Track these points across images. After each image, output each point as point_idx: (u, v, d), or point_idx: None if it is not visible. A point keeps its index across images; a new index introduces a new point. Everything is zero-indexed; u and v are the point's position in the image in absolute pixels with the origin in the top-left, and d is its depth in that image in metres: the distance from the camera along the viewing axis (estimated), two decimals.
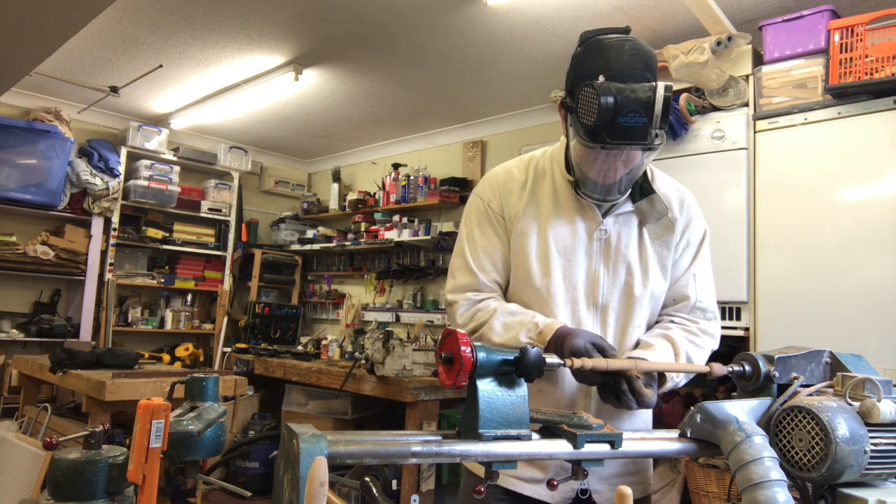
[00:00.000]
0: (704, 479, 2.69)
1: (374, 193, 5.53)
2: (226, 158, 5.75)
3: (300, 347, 5.24)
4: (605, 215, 1.38)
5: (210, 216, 5.68)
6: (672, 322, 1.42)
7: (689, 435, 1.03)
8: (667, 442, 1.03)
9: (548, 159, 1.45)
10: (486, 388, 0.91)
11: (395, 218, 5.22)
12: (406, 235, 5.05)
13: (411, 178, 5.16)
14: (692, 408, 1.05)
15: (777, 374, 1.08)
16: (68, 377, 3.05)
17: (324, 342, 4.82)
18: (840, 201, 2.53)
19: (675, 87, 3.00)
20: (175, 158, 5.42)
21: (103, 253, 5.06)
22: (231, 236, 5.77)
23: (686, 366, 1.30)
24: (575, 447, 0.92)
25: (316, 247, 5.92)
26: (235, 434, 4.56)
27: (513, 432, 0.90)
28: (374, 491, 1.39)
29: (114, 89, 4.53)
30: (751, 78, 2.81)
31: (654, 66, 1.22)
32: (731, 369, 1.12)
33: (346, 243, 5.58)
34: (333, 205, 5.91)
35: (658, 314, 1.45)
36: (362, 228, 5.46)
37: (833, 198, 2.54)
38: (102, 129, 5.31)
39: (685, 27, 3.19)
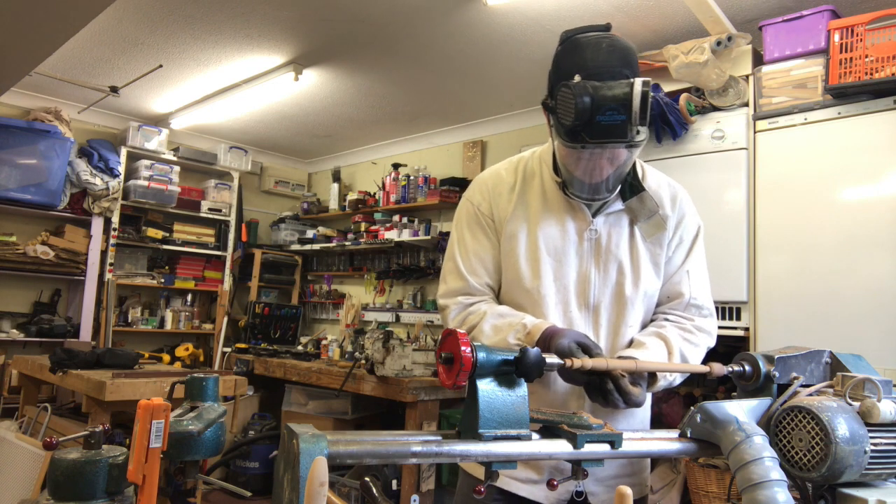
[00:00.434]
0: (704, 479, 2.69)
1: (374, 193, 5.53)
2: (226, 158, 5.75)
3: (300, 347, 5.24)
4: (595, 215, 1.37)
5: (210, 216, 5.68)
6: (666, 320, 1.41)
7: (689, 435, 1.03)
8: (667, 442, 1.03)
9: (536, 160, 1.45)
10: (486, 388, 0.91)
11: (395, 218, 5.22)
12: (406, 235, 5.05)
13: (411, 178, 5.16)
14: (692, 408, 1.05)
15: (777, 374, 1.08)
16: (68, 377, 3.05)
17: (324, 342, 4.82)
18: (840, 201, 2.53)
19: (675, 87, 3.00)
20: (175, 158, 5.42)
21: (103, 253, 5.06)
22: (231, 236, 5.77)
23: (686, 366, 1.30)
24: (575, 447, 0.92)
25: (316, 247, 5.92)
26: (235, 434, 4.56)
27: (513, 432, 0.90)
28: (374, 491, 1.39)
29: (114, 89, 4.53)
30: (751, 78, 2.81)
31: (633, 62, 1.21)
32: (731, 369, 1.12)
33: (346, 243, 5.58)
34: (333, 205, 5.91)
35: (653, 312, 1.44)
36: (362, 228, 5.47)
37: (833, 198, 2.54)
38: (102, 129, 5.31)
39: (685, 27, 3.19)
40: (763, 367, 1.09)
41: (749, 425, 0.98)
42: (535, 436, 0.94)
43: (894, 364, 2.28)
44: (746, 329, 2.73)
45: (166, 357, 4.72)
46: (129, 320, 5.31)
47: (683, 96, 2.92)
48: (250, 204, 6.16)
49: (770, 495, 0.87)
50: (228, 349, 5.34)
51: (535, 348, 0.94)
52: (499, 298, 1.44)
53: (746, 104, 2.82)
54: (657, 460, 2.93)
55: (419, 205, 5.08)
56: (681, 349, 1.33)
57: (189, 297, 5.70)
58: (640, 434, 1.01)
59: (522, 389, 0.94)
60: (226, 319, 5.62)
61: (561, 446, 0.93)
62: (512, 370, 0.93)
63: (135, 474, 0.92)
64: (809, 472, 0.95)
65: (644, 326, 1.42)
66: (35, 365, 3.51)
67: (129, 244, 5.26)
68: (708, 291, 1.45)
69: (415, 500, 3.36)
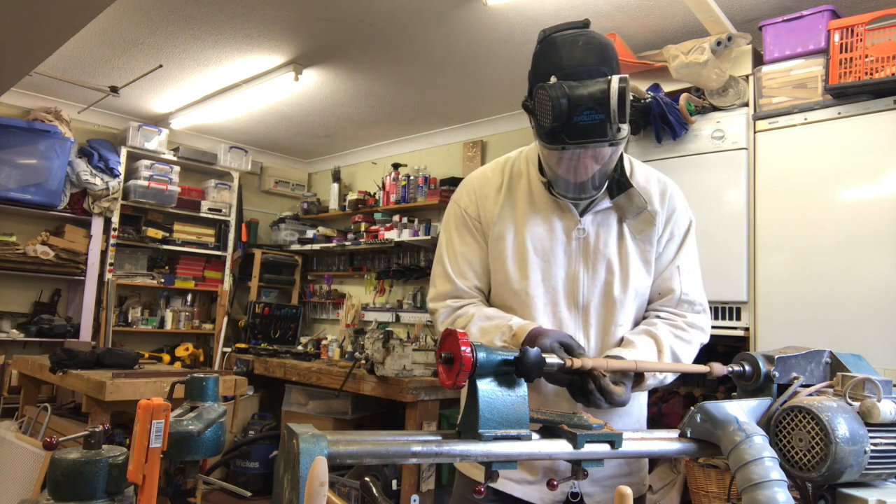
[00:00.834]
0: (704, 479, 2.69)
1: (374, 193, 5.53)
2: (226, 158, 5.75)
3: (300, 347, 5.24)
4: (583, 213, 1.36)
5: (210, 216, 5.68)
6: (658, 317, 1.39)
7: (689, 435, 1.03)
8: (667, 442, 1.03)
9: (523, 160, 1.44)
10: (486, 388, 0.91)
11: (395, 218, 5.22)
12: (406, 235, 5.05)
13: (411, 178, 5.16)
14: (692, 408, 1.05)
15: (777, 374, 1.08)
16: (68, 377, 3.05)
17: (324, 342, 4.83)
18: (840, 201, 2.53)
19: (675, 87, 3.00)
20: (175, 158, 5.42)
21: (103, 253, 5.06)
22: (231, 236, 5.77)
23: (687, 366, 1.30)
24: (575, 447, 0.92)
25: (316, 247, 5.92)
26: (235, 434, 4.56)
27: (513, 432, 0.90)
28: (374, 491, 1.39)
29: (114, 89, 4.53)
30: (751, 78, 2.81)
31: (611, 58, 1.20)
32: (731, 369, 1.12)
33: (346, 243, 5.58)
34: (333, 205, 5.91)
35: (644, 310, 1.42)
36: (362, 228, 5.47)
37: (833, 198, 2.54)
38: (102, 129, 5.31)
39: (685, 27, 3.19)
40: (763, 367, 1.09)
41: (749, 425, 0.98)
42: (535, 436, 0.94)
43: (894, 364, 2.28)
44: (746, 329, 2.73)
45: (166, 357, 4.72)
46: (129, 320, 5.31)
47: (683, 96, 2.92)
48: (250, 204, 6.16)
49: (770, 495, 0.87)
50: (228, 349, 5.34)
51: (535, 348, 0.94)
52: (488, 301, 1.44)
53: (746, 104, 2.82)
54: (657, 460, 2.93)
55: (419, 205, 5.08)
56: (671, 347, 1.31)
57: (189, 297, 5.70)
58: (640, 434, 1.01)
59: (522, 389, 0.94)
60: (226, 319, 5.62)
61: (561, 446, 0.93)
62: (512, 370, 0.93)
63: (135, 474, 0.92)
64: (809, 472, 0.95)
65: (636, 324, 1.40)
66: (35, 365, 3.51)
67: (129, 244, 5.26)
68: (700, 287, 1.43)
69: (415, 500, 3.36)
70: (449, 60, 3.85)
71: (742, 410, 1.02)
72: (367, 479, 1.45)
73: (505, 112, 4.78)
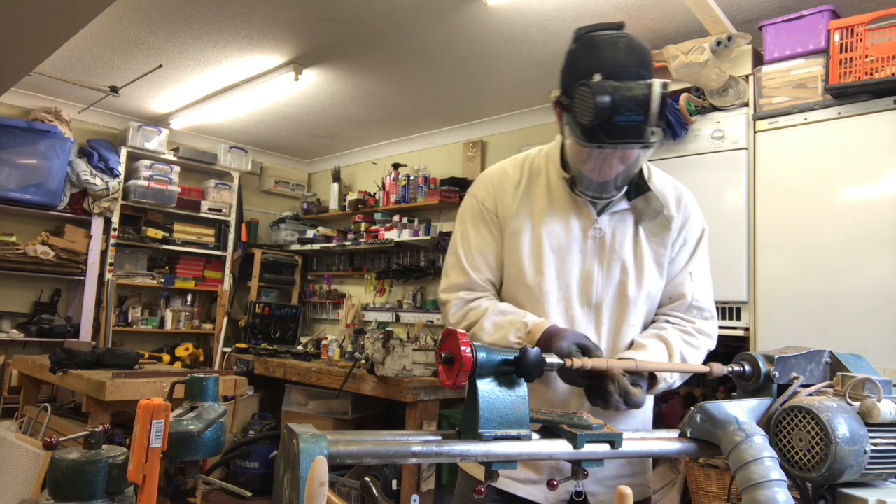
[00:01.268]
0: (704, 479, 2.69)
1: (374, 193, 5.53)
2: (226, 158, 5.75)
3: (300, 347, 5.24)
4: (600, 213, 1.37)
5: (210, 216, 5.68)
6: (667, 322, 1.41)
7: (689, 435, 1.03)
8: (667, 442, 1.03)
9: (543, 158, 1.45)
10: (486, 388, 0.91)
11: (395, 218, 5.22)
12: (406, 235, 5.05)
13: (411, 178, 5.16)
14: (692, 408, 1.05)
15: (777, 374, 1.08)
16: (68, 377, 3.05)
17: (324, 342, 4.82)
18: (840, 201, 2.53)
19: (675, 87, 3.00)
20: (175, 158, 5.42)
21: (103, 253, 5.06)
22: (231, 236, 5.77)
23: (686, 366, 1.30)
24: (575, 447, 0.92)
25: (316, 247, 5.92)
26: (235, 434, 4.56)
27: (513, 432, 0.90)
28: (374, 491, 1.39)
29: (114, 89, 4.53)
30: (751, 78, 2.81)
31: (650, 62, 1.21)
32: (731, 369, 1.12)
33: (346, 243, 5.58)
34: (333, 205, 5.91)
35: (654, 313, 1.43)
36: (362, 228, 5.46)
37: (833, 198, 2.54)
38: (102, 129, 5.31)
39: (685, 27, 3.19)
40: (763, 367, 1.09)
41: (749, 425, 0.98)
42: (535, 436, 0.94)
43: (894, 364, 2.28)
44: (746, 329, 2.73)
45: (166, 357, 4.72)
46: (129, 320, 5.31)
47: (683, 96, 2.92)
48: (250, 204, 6.16)
49: (770, 495, 0.87)
50: (228, 349, 5.34)
51: (535, 348, 0.94)
52: (500, 295, 1.44)
53: (746, 104, 2.82)
54: (657, 460, 2.93)
55: (419, 205, 5.08)
56: (681, 352, 1.33)
57: (189, 297, 5.70)
58: (640, 434, 1.01)
59: (522, 389, 0.94)
60: (226, 319, 5.62)
61: (561, 446, 0.93)
62: (512, 370, 0.93)
63: (135, 474, 0.92)
64: (809, 472, 0.95)
65: (645, 327, 1.41)
66: (35, 365, 3.51)
67: (129, 244, 5.26)
68: (710, 294, 1.45)
69: (415, 500, 3.36)
70: (449, 60, 3.85)
71: (742, 410, 1.02)
72: (367, 479, 1.45)
73: (505, 112, 4.77)
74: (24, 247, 4.67)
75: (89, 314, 4.95)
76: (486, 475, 0.90)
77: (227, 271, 5.78)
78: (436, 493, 3.51)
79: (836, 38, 2.52)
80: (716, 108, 2.91)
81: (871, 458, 0.96)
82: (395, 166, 5.33)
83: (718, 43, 2.78)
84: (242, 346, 5.13)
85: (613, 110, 1.11)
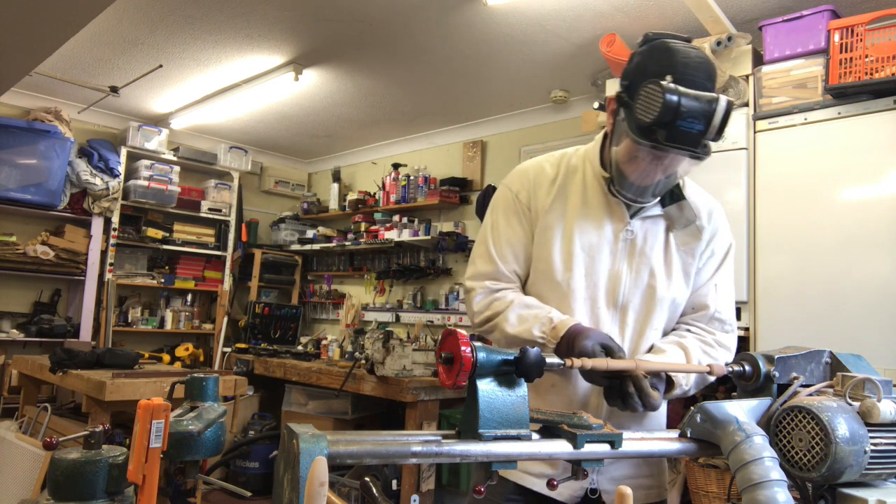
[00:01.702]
0: (704, 479, 2.69)
1: (374, 193, 5.53)
2: (226, 158, 5.75)
3: (300, 347, 5.24)
4: (632, 217, 1.38)
5: (210, 216, 5.68)
6: (688, 331, 1.42)
7: (689, 435, 1.03)
8: (667, 442, 1.03)
9: (580, 157, 1.45)
10: (486, 388, 0.91)
11: (395, 218, 5.22)
12: (406, 235, 5.05)
13: (411, 178, 5.16)
14: (692, 408, 1.05)
15: (777, 374, 1.08)
16: (68, 377, 3.05)
17: (324, 342, 4.82)
18: (840, 201, 2.53)
19: None
20: (175, 158, 5.42)
21: (103, 253, 5.06)
22: (231, 236, 5.77)
23: (686, 366, 1.30)
24: (575, 447, 0.92)
25: (316, 247, 5.92)
26: (235, 434, 4.56)
27: (513, 432, 0.90)
28: (374, 491, 1.39)
29: (114, 89, 4.53)
30: (751, 78, 2.81)
31: (716, 79, 1.23)
32: (731, 369, 1.12)
33: (346, 243, 5.58)
34: (333, 205, 5.91)
35: (676, 321, 1.45)
36: (362, 228, 5.47)
37: (833, 198, 2.54)
38: (102, 129, 5.31)
39: (685, 27, 3.19)
40: (763, 367, 1.09)
41: (749, 425, 0.98)
42: (535, 436, 0.94)
43: (894, 364, 2.28)
44: (746, 329, 2.73)
45: (166, 357, 4.72)
46: (129, 320, 5.31)
47: None
48: (250, 204, 6.16)
49: (770, 495, 0.87)
50: (228, 349, 5.34)
51: (535, 348, 0.94)
52: (525, 289, 1.44)
53: (746, 104, 2.81)
54: None
55: (419, 205, 5.08)
56: (699, 361, 1.34)
57: (189, 297, 5.70)
58: (640, 434, 1.01)
59: (522, 389, 0.94)
60: (226, 319, 5.62)
61: (561, 446, 0.93)
62: (512, 370, 0.93)
63: (135, 474, 0.92)
64: (809, 472, 0.95)
65: (665, 334, 1.43)
66: (35, 365, 3.51)
67: (129, 244, 5.26)
68: (733, 307, 1.47)
69: (415, 500, 3.36)
70: (449, 60, 3.85)
71: (742, 410, 1.02)
72: (367, 479, 1.45)
73: (505, 112, 4.77)
74: (24, 247, 4.67)
75: (89, 314, 4.95)
76: (486, 475, 0.90)
77: (227, 271, 5.78)
78: (436, 493, 3.51)
79: (836, 38, 2.52)
80: None
81: (871, 458, 0.96)
82: (395, 166, 5.33)
83: (718, 43, 2.78)
84: (242, 346, 5.13)
85: (678, 114, 1.12)
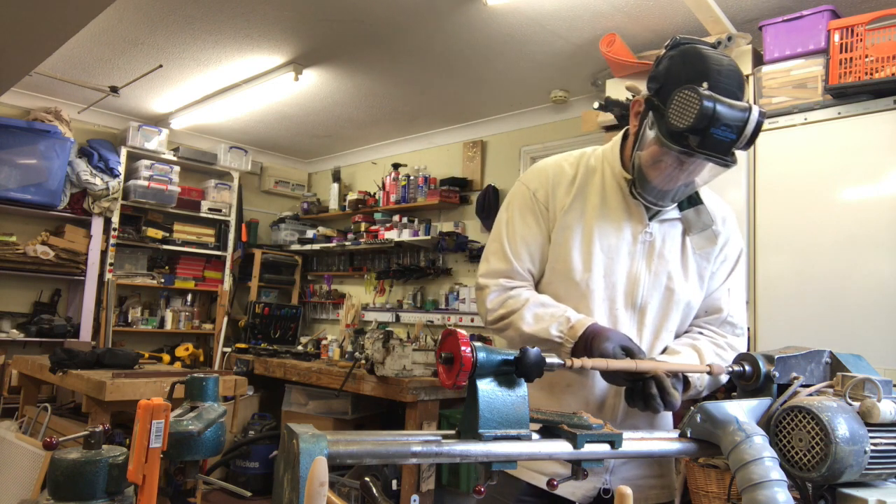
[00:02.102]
0: (704, 479, 2.69)
1: (374, 193, 5.53)
2: (226, 158, 5.75)
3: (300, 347, 5.24)
4: (650, 219, 1.39)
5: (210, 216, 5.68)
6: (701, 333, 1.44)
7: (689, 435, 1.03)
8: (667, 442, 1.03)
9: (599, 158, 1.45)
10: (486, 388, 0.91)
11: (395, 218, 5.22)
12: (406, 235, 5.05)
13: (411, 178, 5.16)
14: (692, 408, 1.05)
15: (777, 374, 1.08)
16: (68, 377, 3.05)
17: (324, 342, 4.82)
18: (840, 201, 2.53)
19: None
20: (175, 158, 5.42)
21: (103, 253, 5.06)
22: (231, 236, 5.77)
23: (686, 366, 1.30)
24: (575, 447, 0.92)
25: (316, 247, 5.92)
26: (235, 434, 4.56)
27: (513, 432, 0.90)
28: (374, 491, 1.39)
29: (114, 89, 4.53)
30: (751, 78, 2.81)
31: (744, 87, 1.24)
32: (731, 369, 1.12)
33: (346, 243, 5.58)
34: (333, 205, 5.91)
35: (687, 324, 1.46)
36: (362, 228, 5.47)
37: (833, 198, 2.54)
38: (102, 129, 5.31)
39: (685, 27, 3.19)
40: (763, 367, 1.09)
41: (749, 425, 0.98)
42: (535, 436, 0.94)
43: (894, 364, 2.28)
44: (746, 329, 2.73)
45: (166, 357, 4.72)
46: (129, 320, 5.31)
47: None
48: (250, 204, 6.16)
49: (770, 495, 0.87)
50: (228, 349, 5.34)
51: (535, 348, 0.94)
52: (537, 288, 1.44)
53: None
54: None
55: (419, 205, 5.08)
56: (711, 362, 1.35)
57: (189, 297, 5.70)
58: (640, 434, 1.01)
59: (522, 389, 0.94)
60: (226, 319, 5.62)
61: (561, 446, 0.93)
62: (512, 370, 0.93)
63: (135, 474, 0.92)
64: (809, 472, 0.95)
65: (677, 336, 1.44)
66: (35, 365, 3.51)
67: (129, 244, 5.26)
68: (744, 312, 1.49)
69: (415, 500, 3.36)
70: (449, 60, 3.85)
71: (742, 410, 1.02)
72: (367, 479, 1.44)
73: (505, 112, 4.77)
74: (24, 247, 4.67)
75: (89, 314, 4.95)
76: (486, 475, 0.90)
77: (227, 271, 5.78)
78: (436, 493, 3.51)
79: (836, 38, 2.52)
80: None
81: (871, 458, 0.96)
82: (395, 166, 5.33)
83: (718, 43, 2.78)
84: (242, 346, 5.13)
85: (713, 121, 1.13)
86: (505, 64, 3.84)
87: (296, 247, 6.10)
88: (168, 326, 5.50)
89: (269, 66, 4.05)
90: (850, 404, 1.00)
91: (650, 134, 1.26)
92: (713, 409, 1.01)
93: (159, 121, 5.37)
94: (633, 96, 2.94)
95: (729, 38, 2.79)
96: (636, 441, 0.99)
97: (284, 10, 3.33)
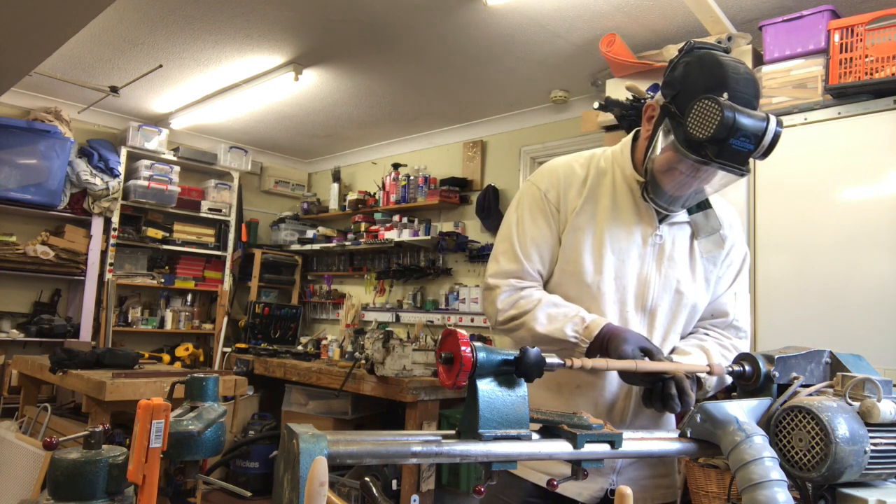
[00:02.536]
0: (704, 479, 2.69)
1: (374, 193, 5.53)
2: (226, 158, 5.75)
3: (300, 347, 5.24)
4: (660, 222, 1.40)
5: (210, 216, 5.68)
6: (707, 335, 1.45)
7: (689, 435, 1.03)
8: (667, 442, 1.03)
9: (609, 160, 1.45)
10: (486, 388, 0.91)
11: (395, 218, 5.22)
12: (406, 235, 5.05)
13: (411, 178, 5.16)
14: (692, 408, 1.05)
15: (777, 374, 1.08)
16: (68, 377, 3.05)
17: (324, 342, 4.82)
18: (840, 201, 2.53)
19: None
20: (175, 158, 5.42)
21: (103, 253, 5.06)
22: (231, 236, 5.77)
23: (685, 366, 1.30)
24: (575, 447, 0.92)
25: (316, 247, 5.92)
26: (235, 434, 4.56)
27: (513, 432, 0.90)
28: (374, 491, 1.39)
29: (114, 89, 4.53)
30: None
31: (760, 94, 1.25)
32: (731, 369, 1.12)
33: (346, 243, 5.58)
34: (333, 205, 5.91)
35: (692, 326, 1.47)
36: (362, 228, 5.47)
37: (833, 198, 2.54)
38: (102, 129, 5.31)
39: (685, 27, 3.19)
40: (763, 367, 1.09)
41: (749, 425, 0.98)
42: (535, 436, 0.94)
43: (894, 364, 2.28)
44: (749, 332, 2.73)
45: (166, 357, 4.72)
46: (129, 320, 5.31)
47: None
48: (250, 204, 6.16)
49: (770, 495, 0.87)
50: (228, 349, 5.34)
51: (535, 348, 0.94)
52: (546, 289, 1.44)
53: None
54: None
55: (419, 205, 5.08)
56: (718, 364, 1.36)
57: (189, 297, 5.70)
58: (640, 434, 1.01)
59: (522, 389, 0.94)
60: (226, 319, 5.62)
61: (561, 446, 0.93)
62: (512, 370, 0.93)
63: (135, 474, 0.92)
64: (809, 472, 0.95)
65: (682, 337, 1.45)
66: (35, 365, 3.51)
67: (129, 244, 5.26)
68: (748, 316, 1.50)
69: (415, 500, 3.36)
70: (449, 60, 3.85)
71: (742, 410, 1.02)
72: (367, 479, 1.44)
73: (505, 112, 4.77)
74: (24, 247, 4.67)
75: (89, 314, 4.95)
76: (486, 475, 0.90)
77: (227, 271, 5.78)
78: (436, 493, 3.51)
79: (836, 38, 2.52)
80: None
81: (871, 458, 0.96)
82: (395, 166, 5.33)
83: (718, 42, 2.78)
84: (242, 346, 5.13)
85: (733, 132, 1.13)
86: (505, 64, 3.84)
87: (296, 247, 6.10)
88: (168, 326, 5.50)
89: (269, 66, 4.05)
90: (850, 404, 1.00)
91: (665, 140, 1.26)
92: (713, 409, 1.01)
93: (159, 121, 5.37)
94: (634, 96, 2.94)
95: (729, 38, 2.78)
96: (636, 441, 0.99)
97: (284, 10, 3.33)
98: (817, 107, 2.59)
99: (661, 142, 1.27)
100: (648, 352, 1.20)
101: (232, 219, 5.78)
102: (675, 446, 1.03)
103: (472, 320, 4.75)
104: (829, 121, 2.56)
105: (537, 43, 3.52)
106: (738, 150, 1.15)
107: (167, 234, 5.42)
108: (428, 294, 5.21)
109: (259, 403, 4.95)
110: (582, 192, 1.40)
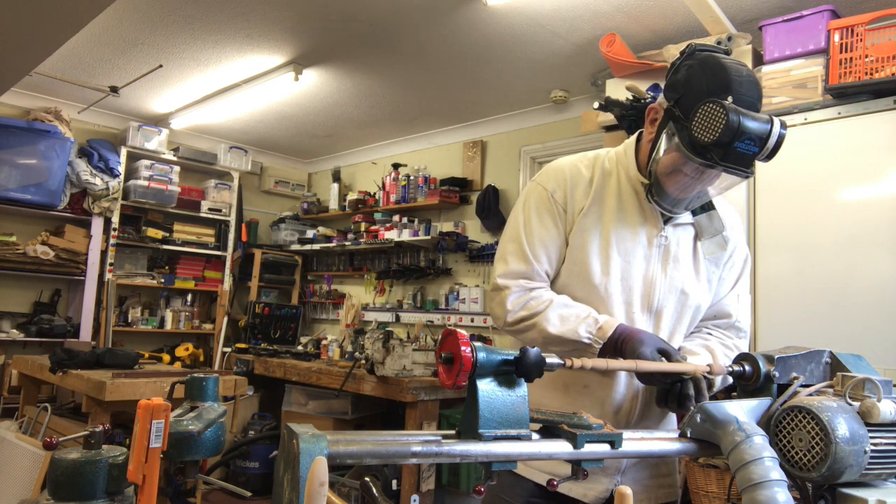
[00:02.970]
0: (704, 479, 2.69)
1: (374, 193, 5.53)
2: (226, 158, 5.75)
3: (300, 347, 5.24)
4: (664, 223, 1.40)
5: (210, 216, 5.68)
6: (710, 334, 1.46)
7: (689, 435, 1.04)
8: (667, 442, 1.03)
9: (613, 161, 1.45)
10: (486, 388, 0.91)
11: (395, 218, 5.22)
12: (406, 235, 5.05)
13: (411, 178, 5.16)
14: (692, 408, 1.05)
15: (777, 374, 1.08)
16: (68, 377, 3.05)
17: (324, 342, 4.82)
18: (840, 201, 2.53)
19: None
20: (175, 158, 5.42)
21: (103, 253, 5.06)
22: (231, 236, 5.77)
23: (685, 366, 1.30)
24: (575, 447, 0.92)
25: (316, 247, 5.92)
26: (235, 434, 4.56)
27: (513, 432, 0.90)
28: (374, 491, 1.39)
29: (114, 89, 4.53)
30: None
31: (762, 96, 1.26)
32: (731, 369, 1.12)
33: (346, 243, 5.58)
34: (333, 205, 5.91)
35: (694, 326, 1.48)
36: (362, 228, 5.47)
37: (833, 198, 2.54)
38: (102, 129, 5.31)
39: (685, 27, 3.19)
40: (763, 367, 1.09)
41: (749, 425, 0.98)
42: (535, 436, 0.94)
43: (894, 364, 2.28)
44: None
45: (166, 357, 4.72)
46: (129, 320, 5.31)
47: None
48: (250, 204, 6.16)
49: (770, 495, 0.87)
50: (228, 349, 5.34)
51: (535, 348, 0.94)
52: (552, 290, 1.44)
53: None
54: None
55: (419, 205, 5.08)
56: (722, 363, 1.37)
57: (189, 297, 5.70)
58: (640, 434, 1.01)
59: (522, 389, 0.94)
60: (226, 319, 5.62)
61: (561, 446, 0.93)
62: (512, 370, 0.93)
63: (135, 474, 0.92)
64: (809, 472, 0.95)
65: (685, 338, 1.47)
66: (35, 365, 3.51)
67: (129, 244, 5.26)
68: (749, 316, 1.52)
69: (415, 500, 3.36)
70: (449, 60, 3.85)
71: (742, 410, 1.02)
72: (367, 479, 1.45)
73: (505, 112, 4.77)
74: (24, 247, 4.67)
75: (89, 314, 4.95)
76: (486, 475, 0.90)
77: (227, 271, 5.78)
78: (436, 493, 3.51)
79: (836, 38, 2.51)
80: None
81: (871, 458, 0.96)
82: (395, 166, 5.33)
83: (718, 43, 2.78)
84: (242, 346, 5.13)
85: (738, 135, 1.14)
86: (505, 64, 3.84)
87: (296, 247, 6.10)
88: (168, 326, 5.50)
89: (269, 66, 4.05)
90: (850, 404, 1.00)
91: (669, 143, 1.26)
92: (713, 409, 1.01)
93: (159, 121, 5.37)
94: (634, 96, 2.94)
95: (729, 38, 2.78)
96: (636, 441, 0.99)
97: (284, 10, 3.33)
98: (817, 107, 2.59)
99: (664, 144, 1.28)
100: (666, 353, 1.20)
101: (232, 219, 5.78)
102: (676, 446, 1.03)
103: (472, 320, 4.75)
104: (829, 121, 2.56)
105: (537, 43, 3.52)
106: (743, 152, 1.16)
107: (167, 234, 5.42)
108: (428, 294, 5.21)
109: (259, 403, 4.95)
110: (588, 192, 1.41)
